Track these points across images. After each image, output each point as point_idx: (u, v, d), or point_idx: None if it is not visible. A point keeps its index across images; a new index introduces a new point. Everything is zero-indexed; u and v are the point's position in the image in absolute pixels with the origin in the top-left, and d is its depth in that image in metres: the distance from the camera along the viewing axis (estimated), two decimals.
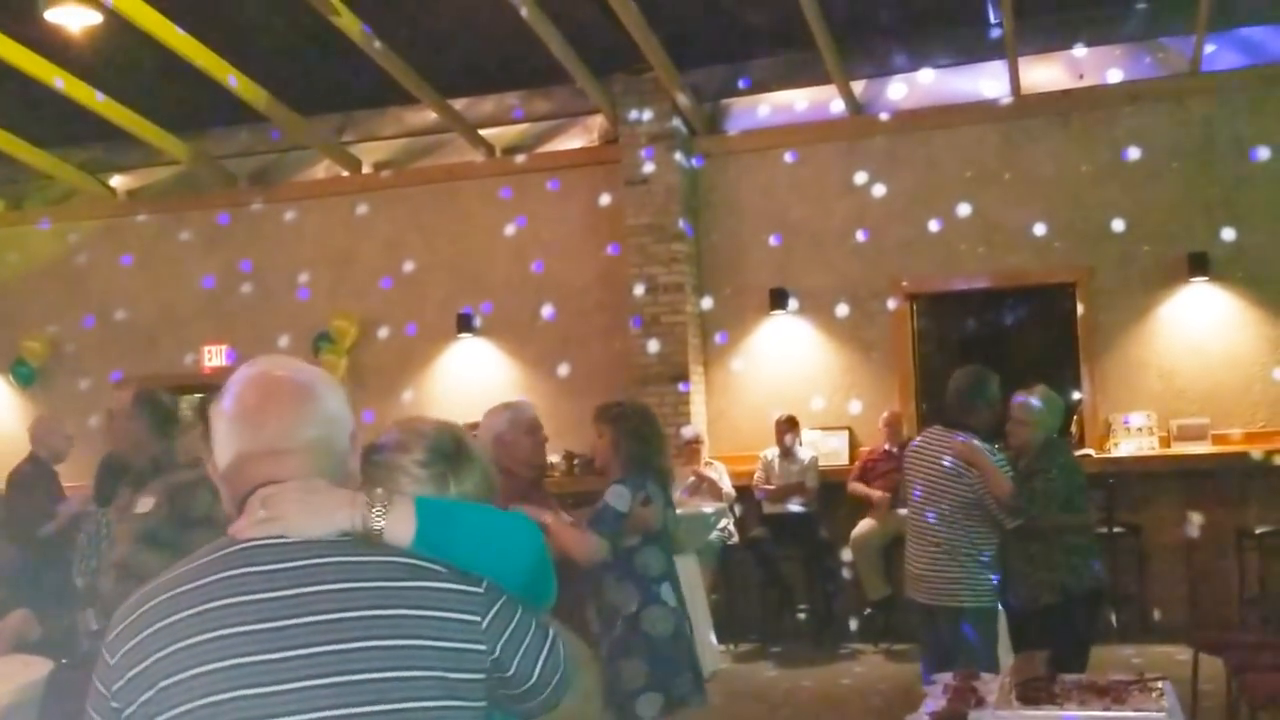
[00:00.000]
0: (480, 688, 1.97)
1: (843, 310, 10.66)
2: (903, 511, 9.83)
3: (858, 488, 10.32)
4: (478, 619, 1.96)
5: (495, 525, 2.11)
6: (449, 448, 2.31)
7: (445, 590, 1.95)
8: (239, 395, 2.07)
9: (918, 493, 6.23)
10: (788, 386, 10.94)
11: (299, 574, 1.92)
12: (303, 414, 2.06)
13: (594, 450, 5.41)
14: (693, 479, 10.25)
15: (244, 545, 1.96)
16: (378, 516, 1.95)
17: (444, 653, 1.92)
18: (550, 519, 4.63)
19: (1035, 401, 6.37)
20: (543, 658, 2.06)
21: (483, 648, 1.96)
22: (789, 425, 10.49)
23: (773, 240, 10.99)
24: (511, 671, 2.01)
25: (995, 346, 11.02)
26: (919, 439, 6.51)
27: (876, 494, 10.17)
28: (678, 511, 9.10)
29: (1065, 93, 10.56)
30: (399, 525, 1.96)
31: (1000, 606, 6.31)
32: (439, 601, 1.94)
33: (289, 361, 2.16)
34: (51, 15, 9.34)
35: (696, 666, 5.25)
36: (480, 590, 1.98)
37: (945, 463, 6.07)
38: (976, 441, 6.08)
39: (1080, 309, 10.44)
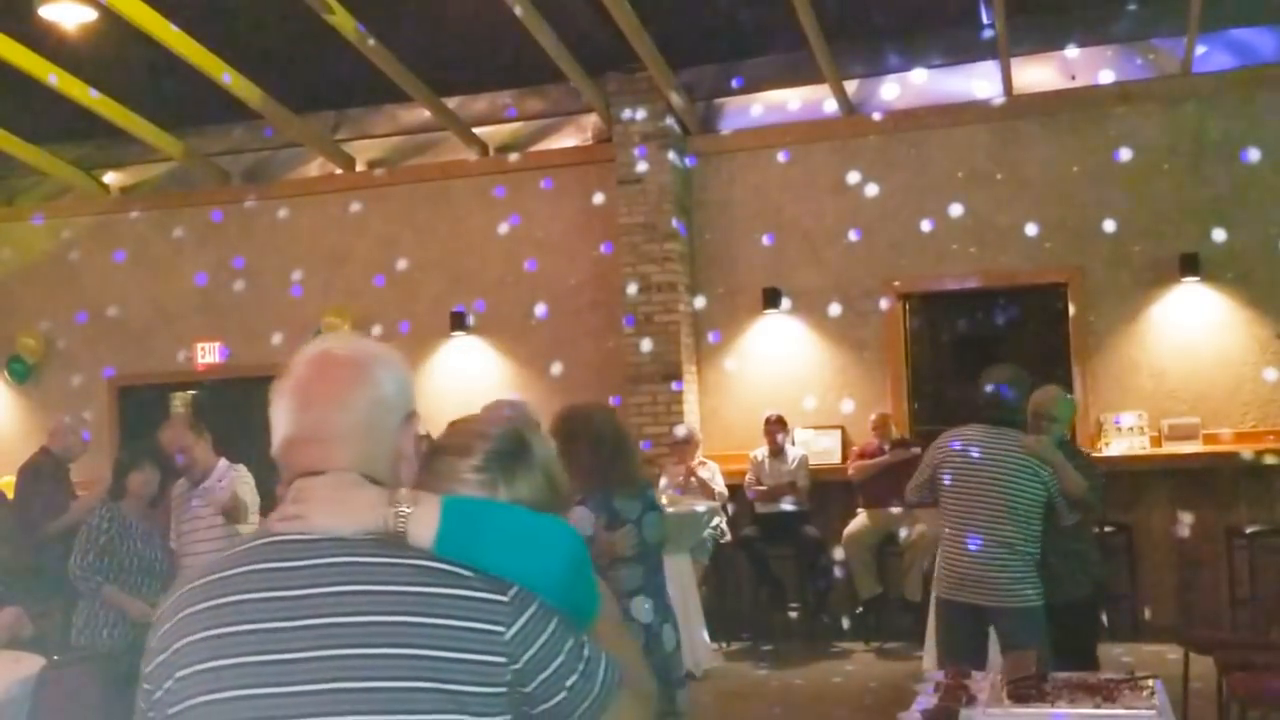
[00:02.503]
0: (498, 702, 1.85)
1: (835, 310, 10.67)
2: (896, 510, 9.97)
3: (856, 464, 10.35)
4: (501, 629, 1.85)
5: (528, 528, 1.98)
6: (508, 450, 2.19)
7: (466, 598, 1.85)
8: (295, 373, 2.06)
9: (986, 498, 5.91)
10: (780, 386, 10.96)
11: (315, 573, 1.88)
12: (351, 397, 2.03)
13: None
14: (683, 477, 10.26)
15: (272, 539, 1.95)
16: (401, 517, 1.89)
17: (455, 664, 1.82)
18: None
19: (1061, 399, 6.36)
20: (573, 680, 1.91)
21: (503, 659, 1.85)
22: (778, 425, 10.51)
23: (765, 240, 11.00)
24: (531, 688, 1.88)
25: (987, 346, 11.02)
26: (958, 440, 6.09)
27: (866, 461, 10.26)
28: (670, 510, 9.20)
29: (1057, 93, 10.58)
30: (422, 526, 1.89)
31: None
32: (457, 609, 1.84)
33: (354, 340, 2.15)
34: (45, 12, 9.35)
35: (671, 677, 4.96)
36: (506, 599, 1.87)
37: (1016, 460, 5.87)
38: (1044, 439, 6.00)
39: (1072, 309, 10.46)
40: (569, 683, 1.91)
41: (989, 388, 6.05)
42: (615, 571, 4.81)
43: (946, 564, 6.06)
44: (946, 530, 6.10)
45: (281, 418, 2.04)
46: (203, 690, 1.86)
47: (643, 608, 4.91)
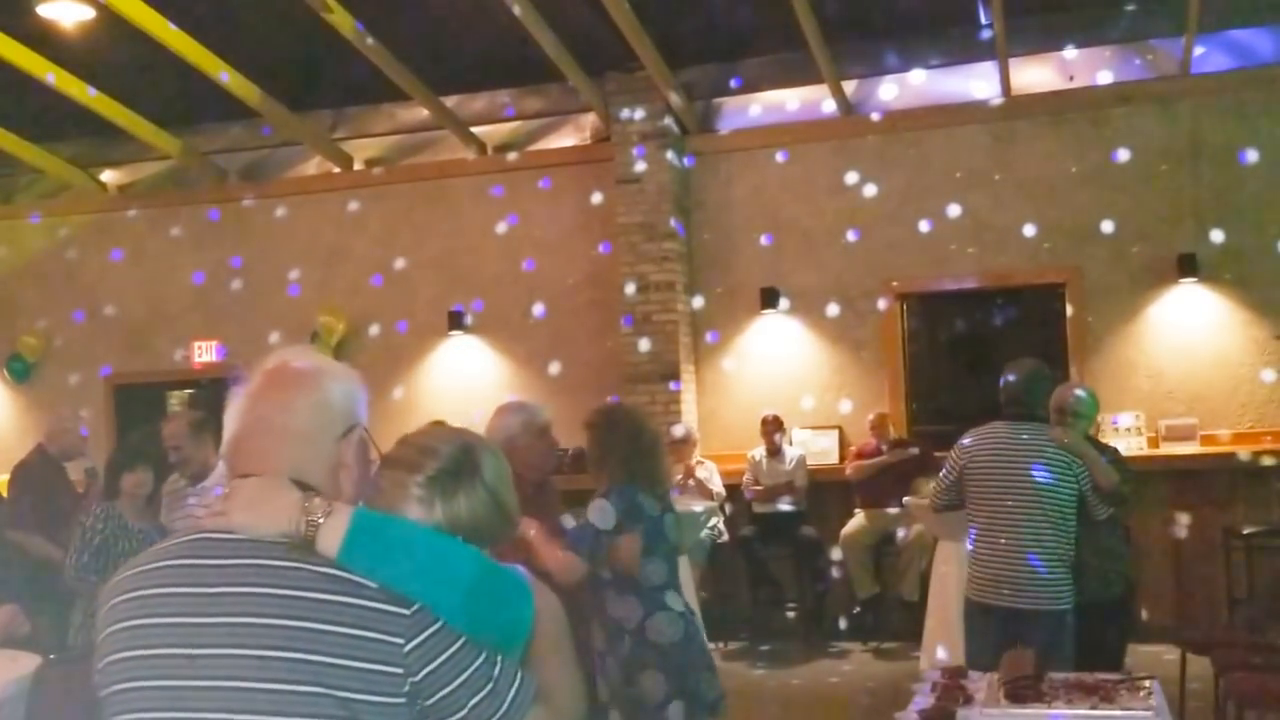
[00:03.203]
0: (397, 712, 1.90)
1: (833, 310, 10.68)
2: (893, 511, 9.97)
3: (862, 463, 10.35)
4: (400, 641, 1.89)
5: (432, 550, 2.02)
6: (453, 469, 2.20)
7: (367, 608, 1.90)
8: (250, 379, 2.18)
9: (1021, 495, 5.76)
10: (778, 386, 10.96)
11: (230, 573, 1.95)
12: (294, 401, 2.13)
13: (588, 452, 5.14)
14: (681, 477, 10.25)
15: (200, 535, 2.04)
16: (312, 524, 1.95)
17: (351, 672, 1.87)
18: (534, 533, 4.43)
19: (1085, 394, 6.26)
20: (478, 699, 1.94)
21: (399, 670, 1.89)
22: (774, 425, 10.51)
23: (764, 239, 11.01)
24: (432, 702, 1.92)
25: (985, 346, 11.02)
26: (983, 438, 5.95)
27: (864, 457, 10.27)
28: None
29: (1055, 94, 10.58)
30: (329, 535, 1.94)
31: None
32: (357, 619, 1.89)
33: (311, 354, 2.24)
34: (44, 10, 9.36)
35: (713, 666, 5.08)
36: (407, 613, 1.91)
37: (1048, 455, 5.74)
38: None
39: (1069, 309, 10.45)
40: (472, 701, 1.94)
41: (1012, 382, 5.92)
42: (643, 569, 4.83)
43: (978, 566, 5.87)
44: (975, 532, 5.92)
45: (231, 417, 2.16)
46: (124, 677, 1.99)
47: (677, 600, 4.95)
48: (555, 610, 2.25)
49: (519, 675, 2.01)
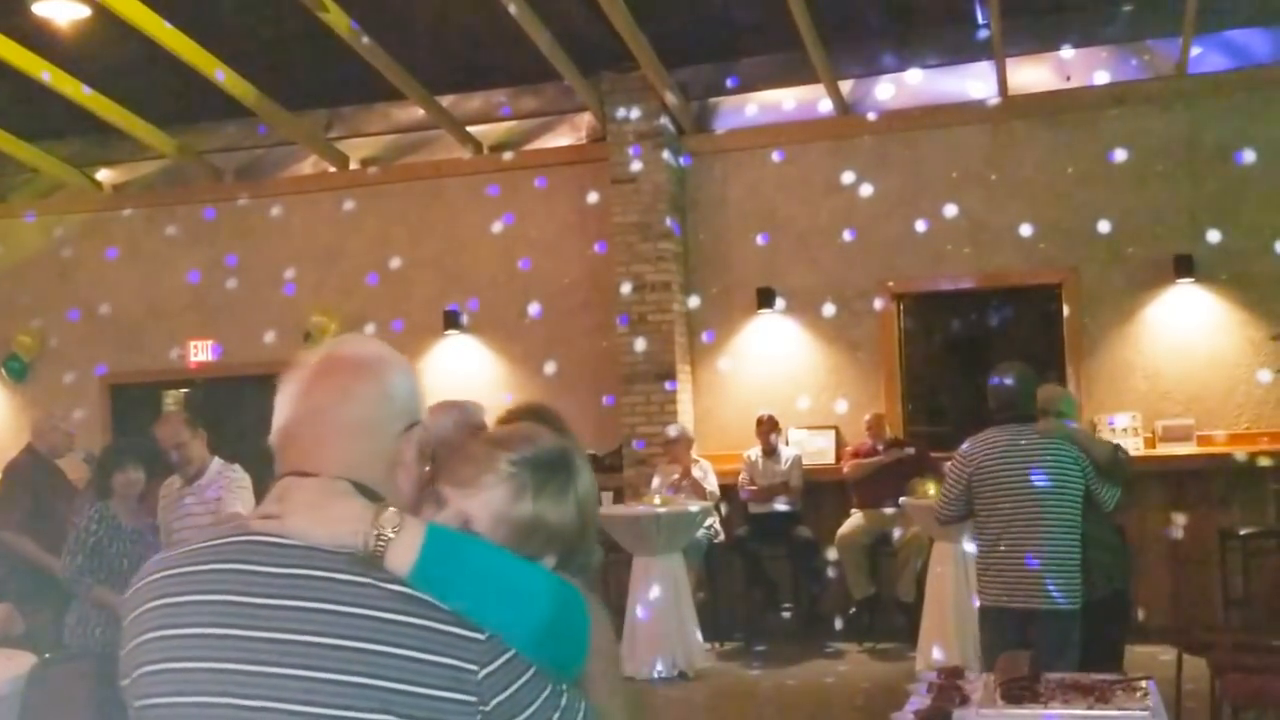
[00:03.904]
0: None
1: (829, 310, 10.66)
2: (889, 511, 9.96)
3: (860, 461, 10.35)
4: (474, 668, 1.75)
5: (511, 573, 1.87)
6: (551, 462, 2.05)
7: (439, 631, 1.75)
8: (300, 367, 1.99)
9: (1034, 495, 5.78)
10: (774, 385, 10.95)
11: (284, 583, 1.79)
12: (356, 389, 1.95)
13: None
14: (676, 477, 10.24)
15: (246, 538, 1.86)
16: (382, 538, 1.78)
17: (417, 699, 1.73)
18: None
19: (1067, 393, 6.42)
20: None
21: (472, 699, 1.75)
22: (770, 425, 10.50)
23: (760, 239, 11.00)
24: None
25: (981, 347, 11.04)
26: (986, 446, 5.95)
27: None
28: (663, 510, 9.22)
29: (1052, 94, 10.58)
30: (401, 552, 1.77)
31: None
32: (427, 642, 1.74)
33: (364, 341, 2.06)
34: (39, 9, 9.34)
35: None
36: (481, 638, 1.76)
37: (1053, 452, 5.80)
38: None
39: (1066, 310, 10.45)
40: None
41: (1008, 386, 5.94)
42: None
43: (993, 570, 5.88)
44: (984, 538, 5.93)
45: (283, 405, 1.97)
46: (161, 691, 1.82)
47: None
48: (605, 627, 2.13)
49: (584, 706, 1.89)
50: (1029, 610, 5.72)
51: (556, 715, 1.83)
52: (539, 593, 1.87)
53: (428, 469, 2.11)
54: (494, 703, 1.76)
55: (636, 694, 2.22)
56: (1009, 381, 5.95)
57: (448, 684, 1.74)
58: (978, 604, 6.05)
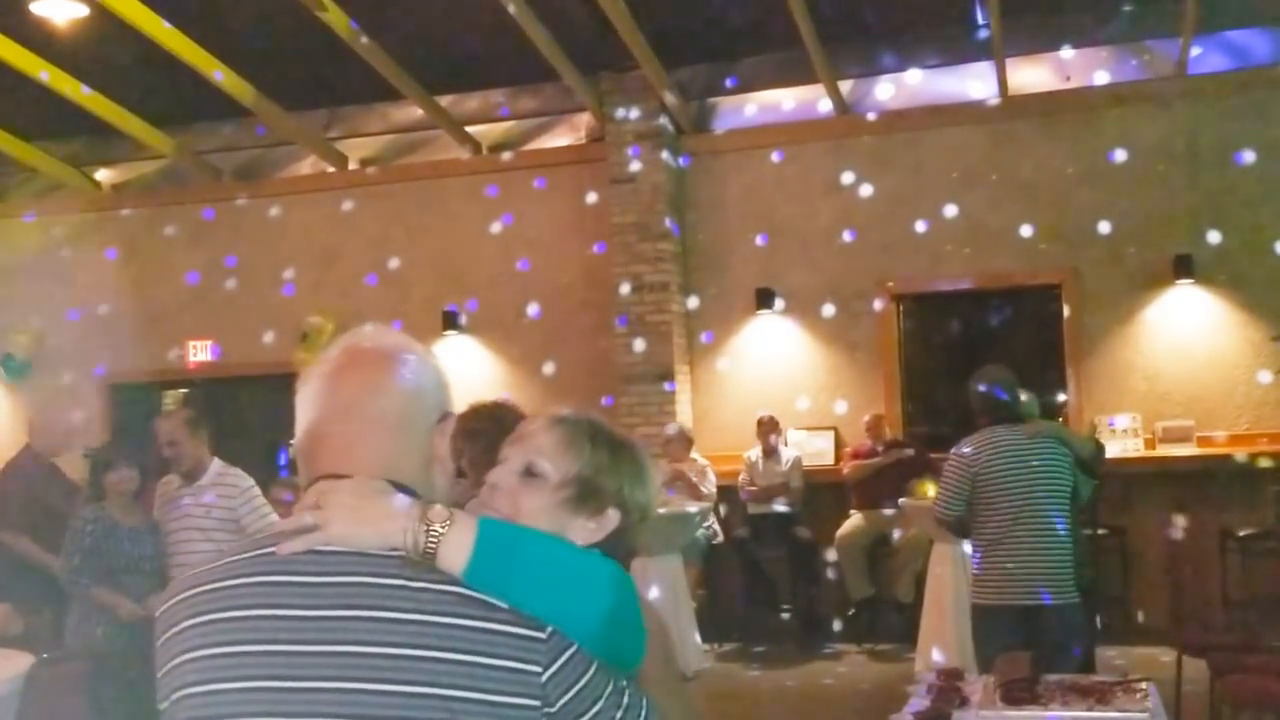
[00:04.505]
0: None
1: (828, 310, 10.65)
2: (888, 512, 9.95)
3: (860, 462, 10.35)
4: (538, 670, 1.67)
5: (569, 564, 1.80)
6: (599, 427, 2.04)
7: (499, 632, 1.67)
8: (321, 362, 1.92)
9: (1033, 493, 5.90)
10: (773, 386, 10.94)
11: (330, 592, 1.69)
12: (386, 382, 1.88)
13: None
14: (672, 477, 10.21)
15: None
16: (433, 536, 1.69)
17: (482, 706, 1.64)
18: None
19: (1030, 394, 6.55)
20: None
21: (536, 703, 1.67)
22: (770, 425, 10.49)
23: (759, 240, 10.99)
24: None
25: (980, 348, 11.02)
26: (989, 445, 5.99)
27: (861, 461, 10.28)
28: (661, 511, 9.18)
29: (1052, 94, 10.57)
30: (453, 549, 1.69)
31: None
32: (488, 645, 1.66)
33: (383, 332, 2.01)
34: (37, 8, 9.33)
35: None
36: (543, 636, 1.68)
37: (1048, 450, 5.94)
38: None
39: (1065, 311, 10.44)
40: None
41: (998, 389, 6.05)
42: None
43: (994, 568, 5.93)
44: (986, 536, 5.96)
45: (307, 404, 1.88)
46: (203, 714, 1.72)
47: None
48: (660, 625, 2.08)
49: (645, 702, 1.81)
50: (1033, 607, 5.78)
51: (619, 714, 1.76)
52: (599, 580, 1.80)
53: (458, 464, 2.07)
54: (559, 704, 1.69)
55: (686, 691, 2.13)
56: (997, 385, 6.05)
57: (511, 688, 1.66)
58: (976, 602, 6.07)
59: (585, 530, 1.97)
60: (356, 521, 1.72)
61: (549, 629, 1.69)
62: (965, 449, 6.05)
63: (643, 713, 1.80)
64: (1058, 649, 5.50)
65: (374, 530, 1.71)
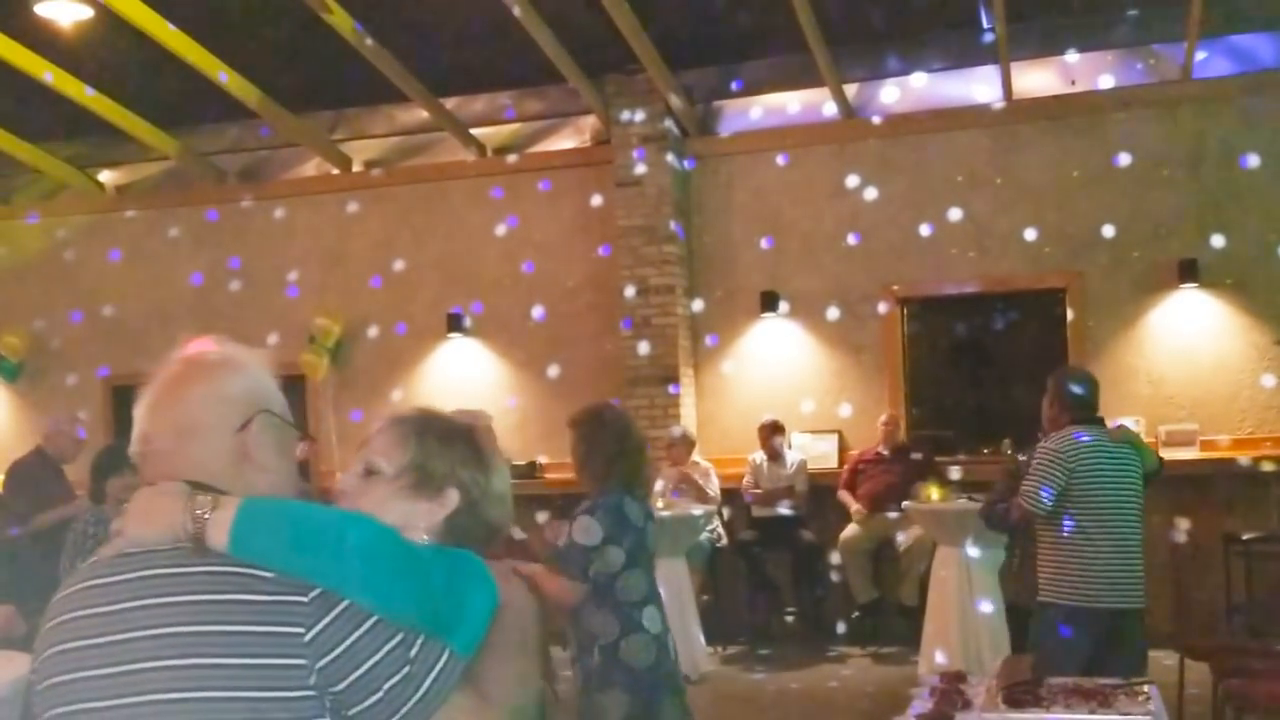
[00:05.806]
0: (307, 705, 1.84)
1: (833, 313, 10.64)
2: (893, 515, 9.94)
3: (843, 496, 10.36)
4: (299, 630, 1.83)
5: (338, 525, 1.92)
6: (428, 421, 2.24)
7: (263, 602, 1.84)
8: (149, 380, 2.12)
9: (1121, 495, 5.90)
10: (778, 389, 10.93)
11: (130, 588, 1.91)
12: (185, 392, 2.07)
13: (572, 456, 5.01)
14: (677, 480, 10.20)
15: (115, 552, 1.98)
16: (199, 521, 1.88)
17: (252, 670, 1.82)
18: (536, 569, 4.44)
19: None
20: (394, 680, 1.86)
21: (302, 661, 1.83)
22: (773, 429, 10.48)
23: (764, 243, 10.98)
24: (342, 687, 1.85)
25: (985, 351, 11.02)
26: (1085, 443, 5.92)
27: (854, 506, 10.27)
28: (665, 513, 9.19)
29: (1057, 98, 10.56)
30: (217, 529, 1.87)
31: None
32: (255, 615, 1.83)
33: (211, 345, 2.24)
34: (42, 9, 9.33)
35: (679, 688, 5.00)
36: (305, 600, 1.84)
37: (1130, 454, 5.98)
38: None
39: (1070, 314, 10.43)
40: (388, 684, 1.86)
41: (1087, 390, 6.04)
42: (624, 581, 4.75)
43: (1087, 569, 5.82)
44: (1074, 533, 5.85)
45: (135, 417, 2.09)
46: (54, 703, 1.96)
47: (655, 617, 4.86)
48: (521, 605, 2.23)
49: (443, 657, 1.91)
50: (1122, 610, 5.78)
51: (405, 668, 1.87)
52: (350, 526, 1.92)
53: (304, 446, 2.25)
54: (327, 660, 1.84)
55: (541, 691, 2.19)
56: (1088, 386, 6.05)
57: (277, 650, 1.83)
58: (1058, 602, 5.86)
59: (428, 511, 2.14)
60: (145, 523, 1.93)
61: (315, 591, 1.84)
62: (1054, 445, 5.94)
63: (437, 668, 1.90)
64: (1138, 653, 5.64)
65: (157, 527, 1.91)
